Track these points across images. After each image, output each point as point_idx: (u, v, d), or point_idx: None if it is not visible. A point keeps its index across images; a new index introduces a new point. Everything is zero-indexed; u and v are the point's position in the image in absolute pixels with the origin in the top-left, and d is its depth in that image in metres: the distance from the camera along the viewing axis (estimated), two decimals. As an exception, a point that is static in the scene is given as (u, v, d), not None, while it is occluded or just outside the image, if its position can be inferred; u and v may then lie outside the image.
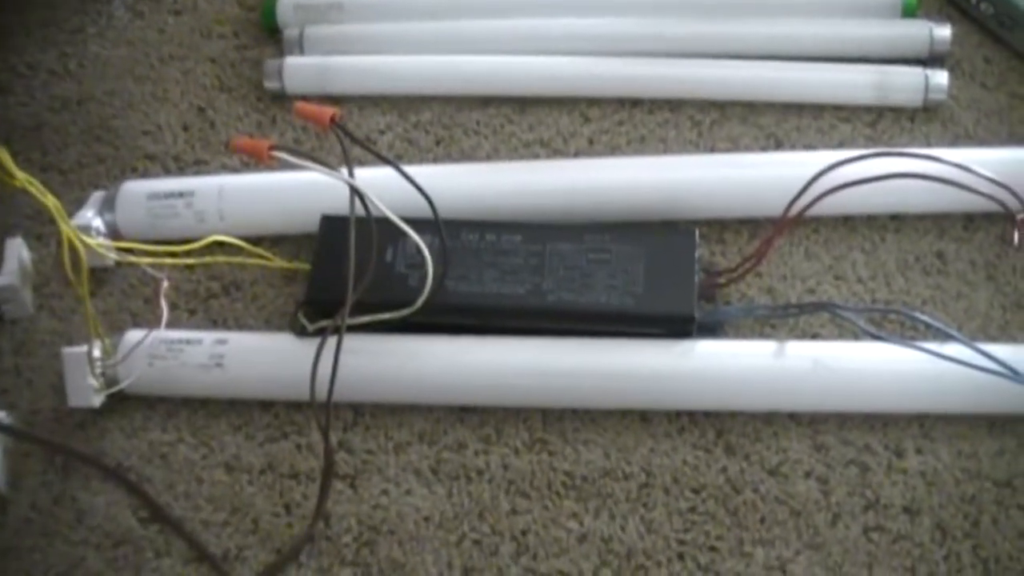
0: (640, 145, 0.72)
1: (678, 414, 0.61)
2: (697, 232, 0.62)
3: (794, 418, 0.60)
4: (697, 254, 0.61)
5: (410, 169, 0.59)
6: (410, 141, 0.74)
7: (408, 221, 0.57)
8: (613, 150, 0.72)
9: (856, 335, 0.62)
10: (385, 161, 0.58)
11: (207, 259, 0.65)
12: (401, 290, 0.60)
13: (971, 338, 0.58)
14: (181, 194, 0.68)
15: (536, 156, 0.72)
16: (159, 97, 0.77)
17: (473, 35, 0.76)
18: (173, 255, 0.64)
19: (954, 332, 0.58)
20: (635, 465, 0.59)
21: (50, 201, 0.55)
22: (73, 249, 0.56)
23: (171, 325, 0.64)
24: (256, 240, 0.67)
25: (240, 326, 0.66)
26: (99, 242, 0.64)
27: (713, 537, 0.57)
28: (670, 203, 0.66)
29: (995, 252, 0.66)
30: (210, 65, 0.79)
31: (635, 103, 0.74)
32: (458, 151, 0.73)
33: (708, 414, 0.61)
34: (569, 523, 0.58)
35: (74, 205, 0.68)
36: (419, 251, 0.58)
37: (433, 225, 0.59)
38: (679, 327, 0.60)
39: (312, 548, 0.58)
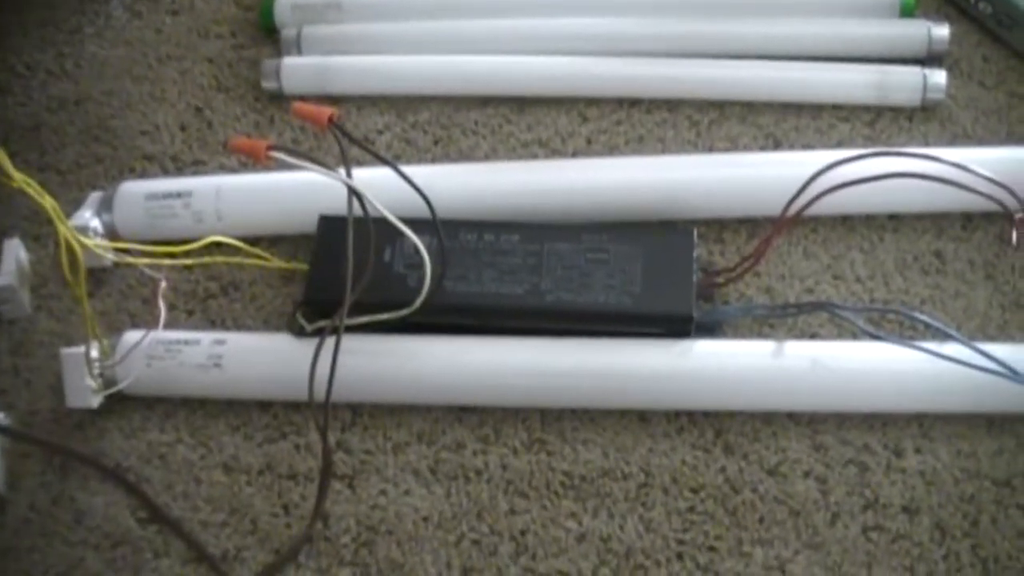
0: (638, 145, 0.72)
1: (677, 414, 0.61)
2: (695, 232, 0.62)
3: (793, 418, 0.60)
4: (695, 254, 0.61)
5: (408, 169, 0.59)
6: (408, 141, 0.74)
7: (406, 221, 0.57)
8: (611, 150, 0.72)
9: (855, 335, 0.62)
10: (383, 161, 0.58)
11: (205, 259, 0.65)
12: (399, 290, 0.60)
13: (970, 337, 0.58)
14: (179, 194, 0.68)
15: (534, 156, 0.72)
16: (157, 97, 0.77)
17: (471, 35, 0.76)
18: (171, 255, 0.64)
19: (953, 332, 0.58)
20: (634, 465, 0.59)
21: (48, 202, 0.55)
22: (71, 250, 0.56)
23: (169, 325, 0.64)
24: (254, 240, 0.67)
25: (238, 326, 0.66)
26: (97, 242, 0.64)
27: (712, 537, 0.57)
28: (668, 203, 0.66)
29: (994, 251, 0.66)
30: (208, 65, 0.79)
31: (633, 103, 0.74)
32: (456, 151, 0.73)
33: (707, 414, 0.61)
34: (568, 523, 0.58)
35: (72, 205, 0.68)
36: (417, 251, 0.58)
37: (431, 225, 0.59)
38: (677, 327, 0.60)
39: (311, 548, 0.58)
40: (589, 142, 0.73)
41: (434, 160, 0.73)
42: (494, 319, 0.61)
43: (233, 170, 0.73)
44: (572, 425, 0.61)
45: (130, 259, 0.64)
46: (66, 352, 0.61)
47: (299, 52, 0.77)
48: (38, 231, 0.70)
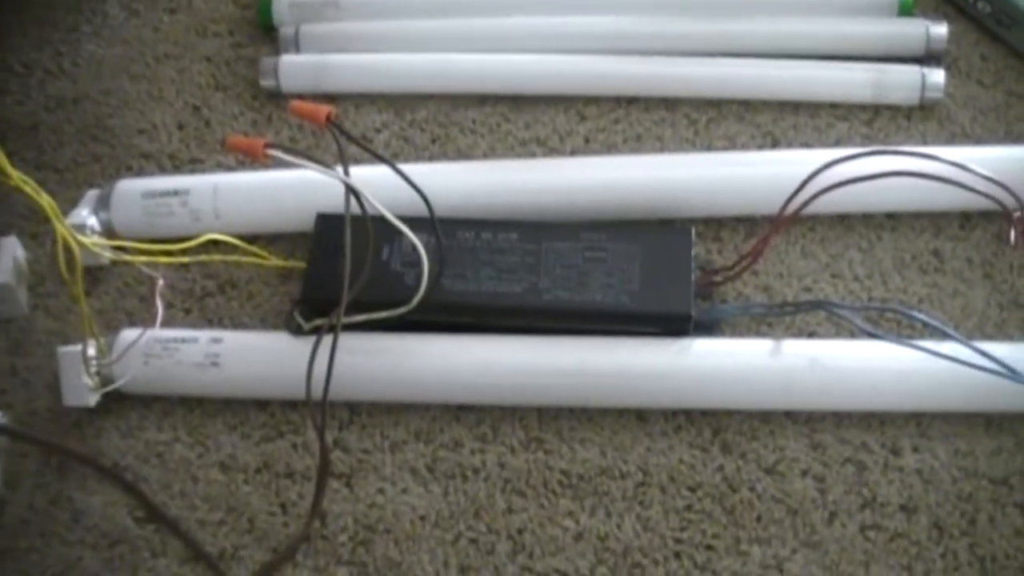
0: (636, 143, 0.72)
1: (674, 413, 0.61)
2: (693, 230, 0.62)
3: (791, 416, 0.60)
4: (693, 252, 0.61)
5: (406, 167, 0.59)
6: (406, 139, 0.74)
7: (404, 219, 0.57)
8: (609, 148, 0.72)
9: (853, 333, 0.62)
10: (381, 159, 0.58)
11: (202, 258, 0.65)
12: (397, 289, 0.60)
13: (968, 336, 0.58)
14: (176, 192, 0.68)
15: (532, 154, 0.72)
16: (154, 96, 0.77)
17: (469, 33, 0.76)
18: (168, 254, 0.64)
19: (951, 330, 0.58)
20: (631, 464, 0.59)
21: (45, 200, 0.55)
22: (68, 248, 0.56)
23: (166, 324, 0.64)
24: (252, 238, 0.67)
25: (236, 325, 0.66)
26: (94, 241, 0.63)
27: (710, 536, 0.57)
28: (666, 201, 0.66)
29: (992, 250, 0.66)
30: (205, 63, 0.79)
31: (631, 101, 0.74)
32: (454, 149, 0.73)
33: (705, 412, 0.61)
34: (565, 522, 0.58)
35: (69, 204, 0.68)
36: (415, 249, 0.58)
37: (429, 223, 0.59)
38: (675, 325, 0.60)
39: (308, 547, 0.58)
40: (587, 141, 0.73)
41: (432, 158, 0.73)
42: (492, 318, 0.61)
43: (231, 168, 0.73)
44: (570, 424, 0.61)
45: (127, 257, 0.64)
46: (63, 351, 0.61)
47: (297, 50, 0.77)
48: (35, 229, 0.70)
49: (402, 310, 0.59)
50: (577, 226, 0.63)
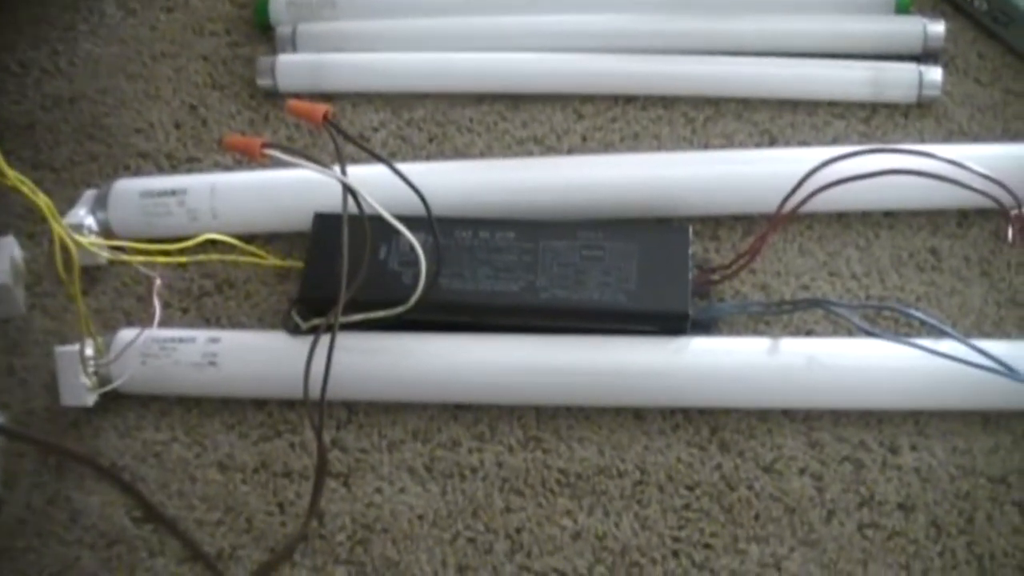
0: (634, 142, 0.72)
1: (672, 411, 0.61)
2: (691, 229, 0.62)
3: (788, 415, 0.60)
4: (691, 251, 0.61)
5: (403, 166, 0.58)
6: (403, 138, 0.74)
7: (401, 219, 0.57)
8: (607, 147, 0.72)
9: (850, 332, 0.62)
10: (378, 159, 0.58)
11: (200, 257, 0.65)
12: (395, 288, 0.60)
13: (965, 334, 0.58)
14: (173, 192, 0.68)
15: (530, 153, 0.72)
16: (151, 95, 0.77)
17: (466, 32, 0.76)
18: (166, 253, 0.64)
19: (948, 328, 0.58)
20: (629, 462, 0.59)
21: (42, 200, 0.55)
22: (65, 248, 0.56)
23: (164, 324, 0.64)
24: (249, 238, 0.67)
25: (233, 324, 0.66)
26: (91, 240, 0.63)
27: (708, 534, 0.57)
28: (664, 200, 0.66)
29: (989, 248, 0.66)
30: (202, 63, 0.79)
31: (629, 100, 0.74)
32: (451, 148, 0.73)
33: (702, 411, 0.61)
34: (563, 521, 0.58)
35: (66, 203, 0.68)
36: (412, 249, 0.58)
37: (426, 223, 0.59)
38: (673, 324, 0.60)
39: (306, 547, 0.58)
40: (584, 139, 0.73)
41: (429, 157, 0.73)
42: (489, 317, 0.61)
43: (228, 168, 0.73)
44: (567, 423, 0.61)
45: (125, 257, 0.64)
46: (61, 350, 0.61)
47: (294, 49, 0.77)
48: (32, 229, 0.70)
49: (400, 309, 0.59)
50: (574, 225, 0.63)
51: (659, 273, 0.60)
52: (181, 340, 0.62)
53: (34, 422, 0.63)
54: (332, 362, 0.55)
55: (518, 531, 0.58)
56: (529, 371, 0.60)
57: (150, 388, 0.62)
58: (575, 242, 0.61)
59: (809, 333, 0.63)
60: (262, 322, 0.66)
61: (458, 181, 0.68)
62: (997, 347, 0.57)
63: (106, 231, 0.67)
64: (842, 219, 0.67)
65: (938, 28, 0.73)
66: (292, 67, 0.76)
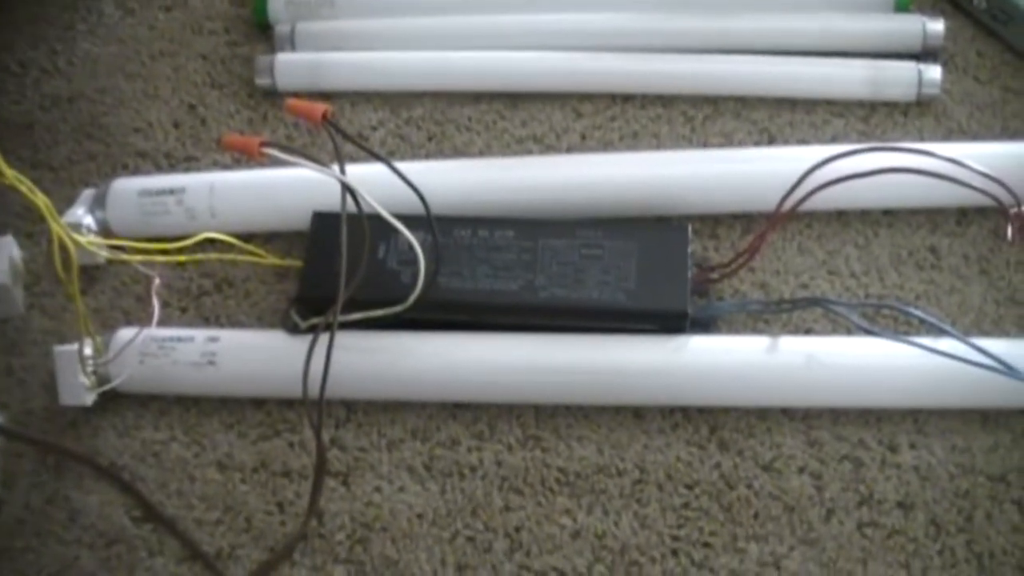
0: (633, 140, 0.72)
1: (671, 410, 0.61)
2: (690, 227, 0.62)
3: (787, 413, 0.60)
4: (690, 249, 0.61)
5: (402, 165, 0.58)
6: (402, 137, 0.74)
7: (400, 217, 0.57)
8: (605, 146, 0.72)
9: (849, 330, 0.62)
10: (377, 157, 0.58)
11: (199, 256, 0.65)
12: (393, 287, 0.60)
13: (965, 333, 0.58)
14: (172, 191, 0.67)
15: (528, 152, 0.72)
16: (150, 94, 0.77)
17: (465, 31, 0.76)
18: (164, 252, 0.64)
19: (947, 327, 0.58)
20: (628, 461, 0.59)
21: (40, 199, 0.55)
22: (64, 247, 0.56)
23: (163, 323, 0.64)
24: (248, 237, 0.67)
25: (232, 323, 0.66)
26: (90, 240, 0.63)
27: (707, 533, 0.57)
28: (663, 198, 0.66)
29: (988, 246, 0.66)
30: (201, 62, 0.79)
31: (627, 98, 0.74)
32: (450, 147, 0.73)
33: (701, 410, 0.61)
34: (563, 519, 0.58)
35: (65, 203, 0.68)
36: (411, 247, 0.58)
37: (425, 221, 0.59)
38: (672, 323, 0.60)
39: (305, 546, 0.58)
40: (583, 138, 0.73)
41: (428, 156, 0.72)
42: (488, 315, 0.61)
43: (227, 167, 0.73)
44: (567, 422, 0.61)
45: (123, 256, 0.64)
46: (59, 350, 0.61)
47: (293, 48, 0.77)
48: (31, 229, 0.70)
49: (398, 308, 0.59)
50: (573, 223, 0.62)
51: (658, 272, 0.60)
52: (180, 339, 0.62)
53: (33, 422, 0.63)
54: (331, 361, 0.55)
55: (517, 530, 0.58)
56: (528, 370, 0.60)
57: (149, 387, 0.62)
58: (574, 241, 0.61)
59: (808, 332, 0.63)
60: (261, 321, 0.66)
61: (457, 180, 0.68)
62: (996, 345, 0.57)
63: (105, 230, 0.67)
64: (841, 217, 0.67)
65: (937, 26, 0.73)
66: (291, 66, 0.76)
